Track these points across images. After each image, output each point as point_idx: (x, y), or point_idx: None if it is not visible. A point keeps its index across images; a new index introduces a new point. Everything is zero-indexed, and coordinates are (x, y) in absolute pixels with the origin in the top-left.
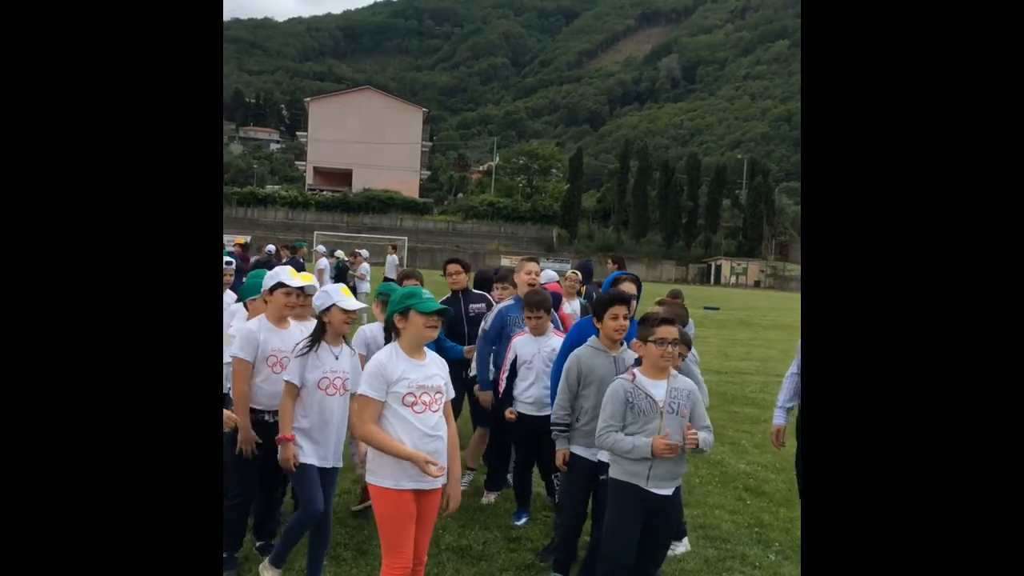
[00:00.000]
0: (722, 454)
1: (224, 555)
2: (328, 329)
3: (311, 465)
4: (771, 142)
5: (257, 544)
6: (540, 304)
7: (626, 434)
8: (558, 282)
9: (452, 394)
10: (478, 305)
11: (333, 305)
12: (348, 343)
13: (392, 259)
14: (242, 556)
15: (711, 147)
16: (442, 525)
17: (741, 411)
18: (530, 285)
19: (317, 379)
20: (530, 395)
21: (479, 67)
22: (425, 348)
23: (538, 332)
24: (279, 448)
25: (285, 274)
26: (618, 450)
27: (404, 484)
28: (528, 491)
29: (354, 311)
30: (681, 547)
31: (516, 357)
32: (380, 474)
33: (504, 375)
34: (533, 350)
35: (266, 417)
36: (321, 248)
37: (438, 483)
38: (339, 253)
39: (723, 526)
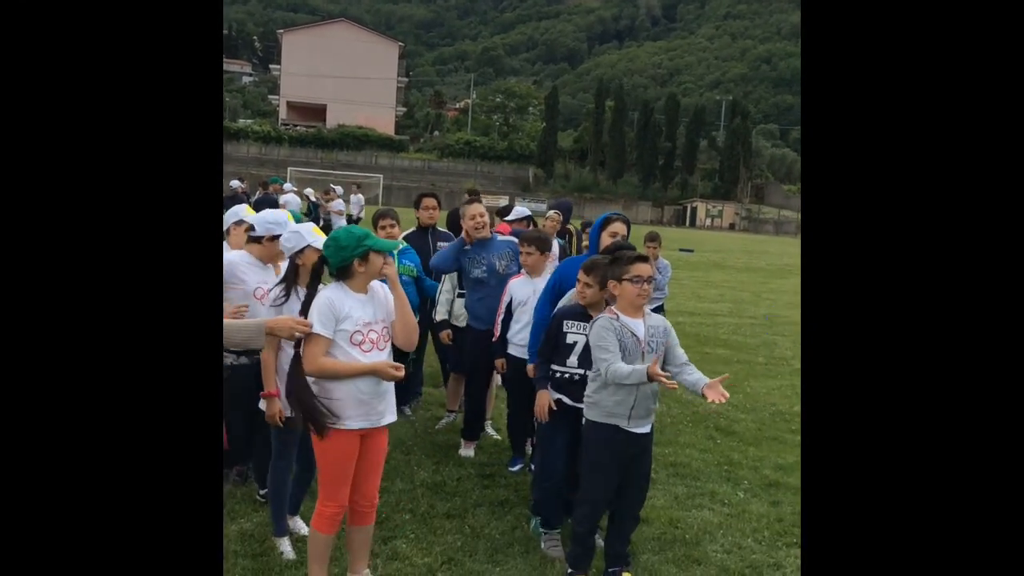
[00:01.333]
0: (694, 394)
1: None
2: (301, 272)
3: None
4: (750, 83)
5: (261, 492)
6: (532, 240)
7: None
8: (527, 219)
9: (390, 296)
10: (445, 244)
11: (307, 246)
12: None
13: (357, 198)
14: (240, 506)
15: (690, 87)
16: (417, 462)
17: (713, 352)
18: (476, 229)
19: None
20: (523, 338)
21: (456, 0)
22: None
23: (534, 272)
24: (265, 403)
25: (310, 235)
26: (617, 377)
27: (351, 424)
28: (523, 438)
29: None
30: None
31: (511, 299)
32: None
33: (500, 317)
34: (528, 291)
35: (242, 359)
36: (287, 185)
37: (384, 421)
38: (309, 192)
39: (693, 464)
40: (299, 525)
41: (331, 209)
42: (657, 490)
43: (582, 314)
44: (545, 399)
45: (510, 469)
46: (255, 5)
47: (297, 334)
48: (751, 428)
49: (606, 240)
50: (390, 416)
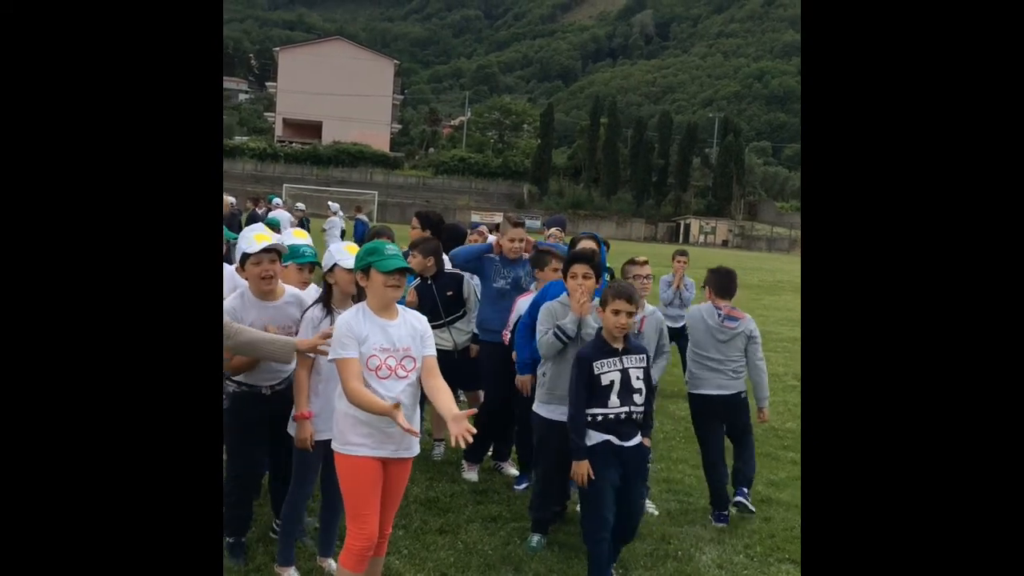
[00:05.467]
0: (686, 410)
1: (230, 540)
2: (334, 291)
3: (320, 442)
4: (743, 101)
5: (277, 523)
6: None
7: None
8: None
9: (430, 352)
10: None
11: (335, 265)
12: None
13: (333, 221)
14: (253, 538)
15: (683, 105)
16: (411, 478)
17: None
18: (512, 252)
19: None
20: None
21: (451, 19)
22: (398, 307)
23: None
24: (296, 426)
25: (245, 241)
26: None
27: (362, 451)
28: (531, 456)
29: None
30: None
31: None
32: (346, 442)
33: (508, 330)
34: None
35: (263, 391)
36: (277, 200)
37: (408, 453)
38: (300, 206)
39: (686, 480)
40: (331, 565)
41: (324, 227)
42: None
43: (610, 350)
44: (585, 468)
45: (516, 488)
46: (251, 23)
47: (322, 348)
48: None
49: None
50: (407, 449)
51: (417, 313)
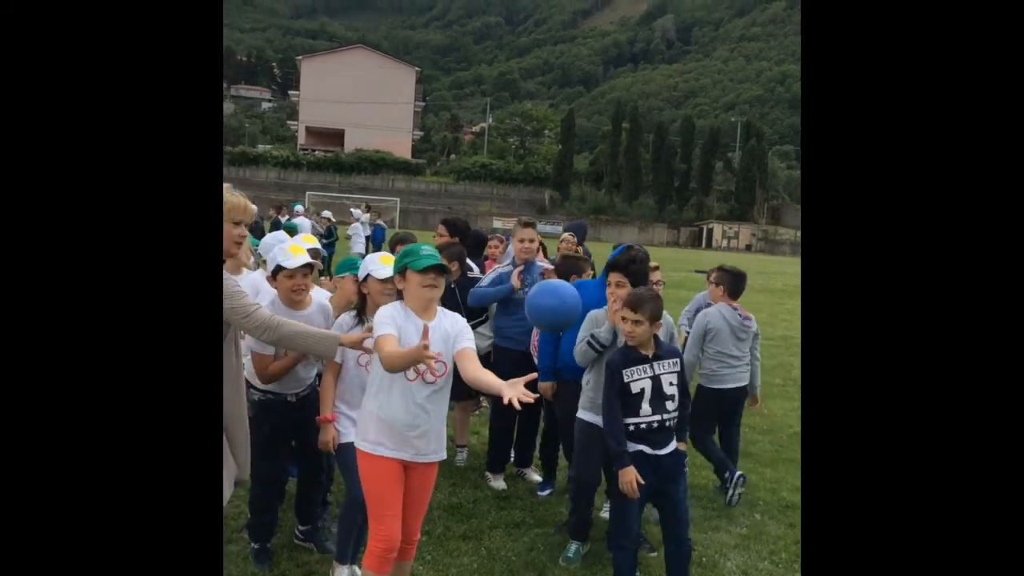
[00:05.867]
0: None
1: (255, 546)
2: (368, 301)
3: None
4: (765, 104)
5: (300, 529)
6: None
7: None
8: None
9: (467, 344)
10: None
11: (368, 275)
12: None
13: (356, 228)
14: (279, 544)
15: (705, 109)
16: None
17: None
18: (525, 252)
19: (357, 355)
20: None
21: (472, 26)
22: (438, 308)
23: None
24: (320, 430)
25: (281, 252)
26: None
27: (383, 451)
28: (555, 462)
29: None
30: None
31: None
32: (366, 439)
33: (536, 339)
34: None
35: (288, 398)
36: (299, 207)
37: (431, 458)
38: (327, 214)
39: (710, 486)
40: (356, 572)
41: (349, 234)
42: None
43: (639, 358)
44: (632, 475)
45: (539, 494)
46: (274, 32)
47: (367, 344)
48: (768, 450)
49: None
50: (426, 455)
51: (454, 315)
